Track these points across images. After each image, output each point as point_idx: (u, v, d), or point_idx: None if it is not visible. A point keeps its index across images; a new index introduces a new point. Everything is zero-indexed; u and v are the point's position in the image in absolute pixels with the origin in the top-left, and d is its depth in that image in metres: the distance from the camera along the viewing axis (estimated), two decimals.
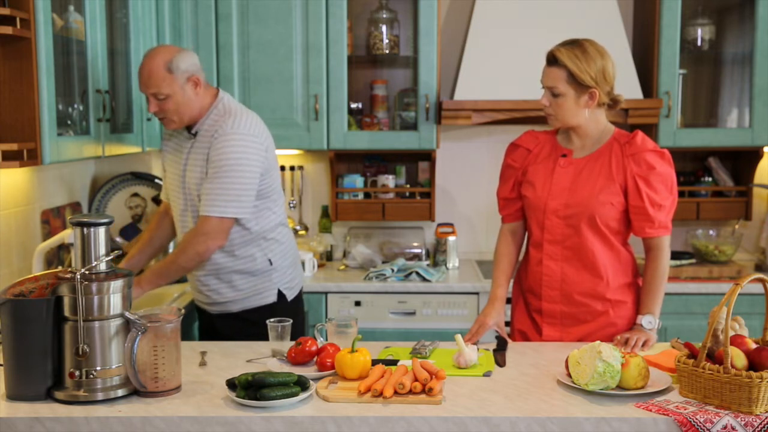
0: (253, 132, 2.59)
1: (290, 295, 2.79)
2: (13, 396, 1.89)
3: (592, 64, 2.31)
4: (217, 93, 2.68)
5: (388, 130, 3.85)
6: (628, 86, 3.56)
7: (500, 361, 2.22)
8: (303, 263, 3.58)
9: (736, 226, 3.92)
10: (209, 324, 2.84)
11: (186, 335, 3.03)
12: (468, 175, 4.12)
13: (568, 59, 2.31)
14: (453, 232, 3.92)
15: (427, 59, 3.69)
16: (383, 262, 3.87)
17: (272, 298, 2.74)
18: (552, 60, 2.36)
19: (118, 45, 3.13)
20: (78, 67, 2.72)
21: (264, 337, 2.32)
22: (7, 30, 2.24)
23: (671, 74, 3.67)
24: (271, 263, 2.71)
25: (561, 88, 2.34)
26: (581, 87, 2.33)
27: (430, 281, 3.56)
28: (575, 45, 2.34)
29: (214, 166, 2.54)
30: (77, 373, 1.88)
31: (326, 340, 2.27)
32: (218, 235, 2.55)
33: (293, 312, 2.78)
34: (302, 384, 1.90)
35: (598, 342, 1.94)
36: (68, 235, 2.73)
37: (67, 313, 1.89)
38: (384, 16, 3.82)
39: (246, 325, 2.70)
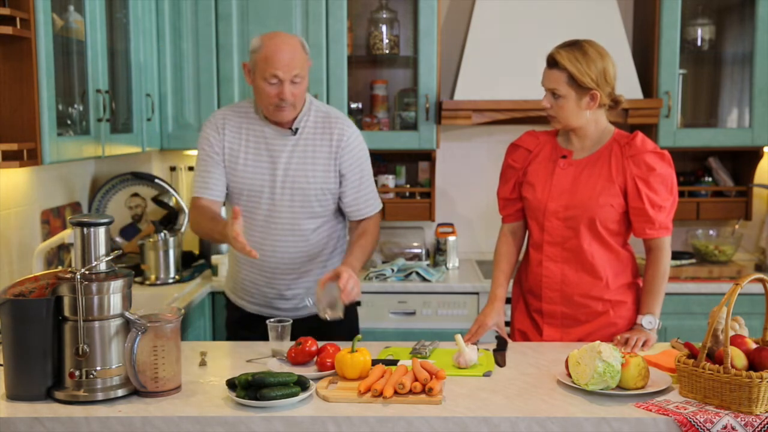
0: None
1: None
2: (13, 396, 1.89)
3: (593, 66, 2.31)
4: None
5: (388, 130, 3.85)
6: (628, 86, 3.56)
7: (500, 361, 2.22)
8: None
9: (736, 226, 3.92)
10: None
11: (187, 336, 3.03)
12: (468, 175, 4.12)
13: (568, 61, 2.30)
14: (453, 232, 3.92)
15: (427, 59, 3.69)
16: (383, 262, 3.87)
17: None
18: (552, 62, 2.35)
19: (118, 45, 3.13)
20: (78, 67, 2.72)
21: (336, 337, 2.34)
22: (7, 30, 2.24)
23: (671, 74, 3.67)
24: None
25: (562, 91, 2.33)
26: (582, 89, 2.32)
27: (430, 281, 3.56)
28: (575, 47, 2.33)
29: (357, 164, 2.61)
30: (77, 373, 1.88)
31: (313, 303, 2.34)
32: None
33: (355, 307, 2.78)
34: (302, 384, 1.90)
35: (598, 342, 1.94)
36: (68, 235, 2.73)
37: (67, 313, 1.89)
38: (384, 16, 3.83)
39: (321, 324, 2.51)
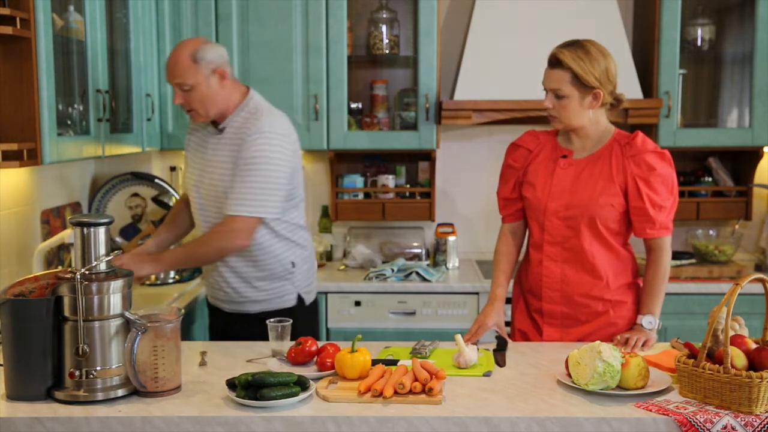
0: (283, 131, 2.58)
1: (308, 299, 2.77)
2: (13, 396, 1.89)
3: (596, 65, 2.30)
4: (247, 91, 2.66)
5: (388, 130, 3.85)
6: (628, 86, 3.56)
7: (500, 361, 2.22)
8: None
9: (736, 226, 3.92)
10: (224, 324, 2.78)
11: (187, 335, 3.03)
12: (468, 175, 4.12)
13: (571, 61, 2.30)
14: (453, 232, 3.92)
15: (427, 59, 3.69)
16: (383, 262, 3.87)
17: (292, 302, 2.71)
18: (555, 62, 2.34)
19: (118, 45, 3.13)
20: (78, 67, 2.72)
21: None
22: (7, 30, 2.24)
23: (671, 74, 3.67)
24: (293, 265, 2.70)
25: (565, 90, 2.32)
26: (585, 88, 2.32)
27: (430, 281, 3.56)
28: (577, 46, 2.33)
29: (244, 164, 2.50)
30: (77, 373, 1.88)
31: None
32: (244, 235, 2.51)
33: (310, 316, 2.77)
34: (302, 384, 1.90)
35: (598, 342, 1.94)
36: (68, 235, 2.73)
37: (67, 313, 1.89)
38: (384, 16, 3.83)
39: (264, 327, 2.64)
